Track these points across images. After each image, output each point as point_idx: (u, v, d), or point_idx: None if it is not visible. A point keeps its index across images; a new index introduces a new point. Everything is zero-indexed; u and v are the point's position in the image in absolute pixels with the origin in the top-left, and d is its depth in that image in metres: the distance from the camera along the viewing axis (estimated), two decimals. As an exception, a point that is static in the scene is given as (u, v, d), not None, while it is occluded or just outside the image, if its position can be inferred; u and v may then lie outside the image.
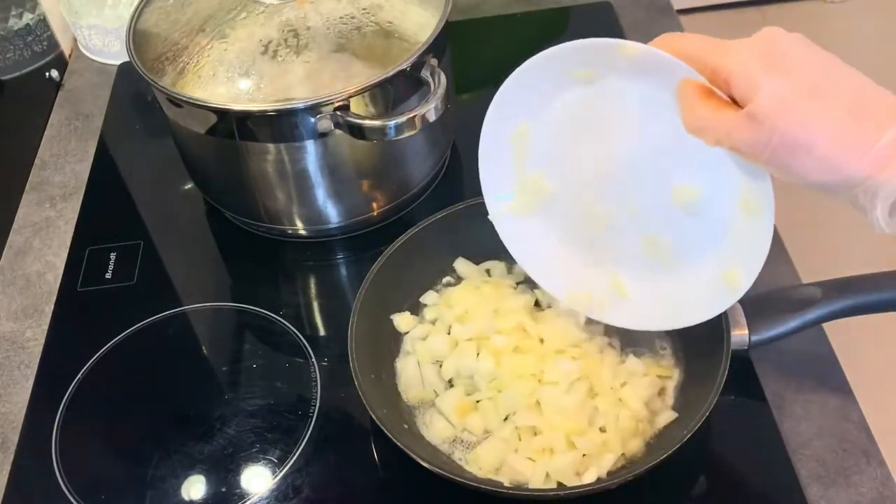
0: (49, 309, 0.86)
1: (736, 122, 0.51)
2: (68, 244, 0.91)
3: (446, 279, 0.80)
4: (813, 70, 0.50)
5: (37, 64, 1.09)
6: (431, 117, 0.73)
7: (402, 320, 0.76)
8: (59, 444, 0.73)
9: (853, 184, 0.49)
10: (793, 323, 0.68)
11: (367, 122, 0.73)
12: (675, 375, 0.70)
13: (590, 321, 0.72)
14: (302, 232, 0.87)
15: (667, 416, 0.67)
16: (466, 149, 0.95)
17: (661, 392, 0.69)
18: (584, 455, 0.65)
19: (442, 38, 0.78)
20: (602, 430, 0.67)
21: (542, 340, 0.72)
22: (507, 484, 0.65)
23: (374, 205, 0.86)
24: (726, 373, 0.63)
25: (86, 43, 1.15)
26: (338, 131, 0.74)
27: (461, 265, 0.79)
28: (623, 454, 0.65)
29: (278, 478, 0.69)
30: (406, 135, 0.73)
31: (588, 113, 0.63)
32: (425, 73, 0.76)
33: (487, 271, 0.79)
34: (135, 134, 1.05)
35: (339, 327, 0.73)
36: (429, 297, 0.78)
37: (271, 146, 0.77)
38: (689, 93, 0.53)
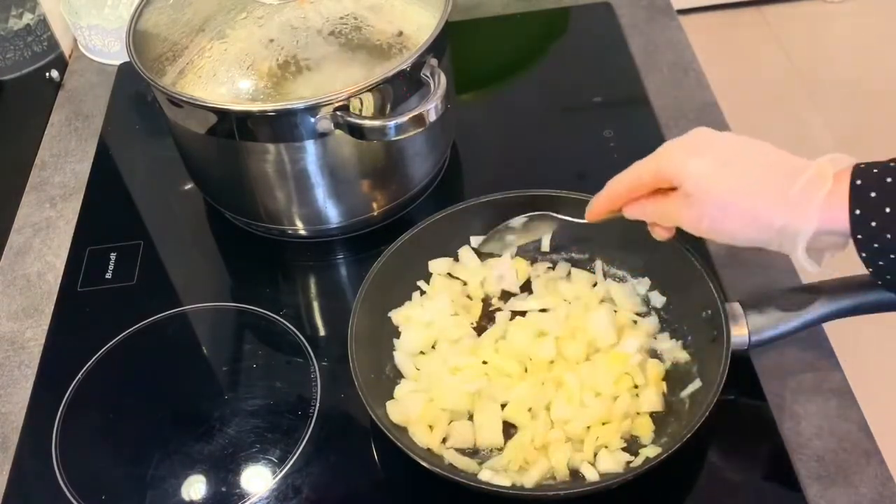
0: (49, 309, 0.86)
1: (675, 203, 0.61)
2: (68, 244, 0.91)
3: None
4: (726, 147, 0.60)
5: (37, 64, 1.09)
6: (431, 117, 0.73)
7: (399, 315, 0.76)
8: (59, 444, 0.73)
9: (776, 232, 0.57)
10: (793, 323, 0.68)
11: (367, 122, 0.73)
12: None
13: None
14: (302, 232, 0.87)
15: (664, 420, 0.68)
16: (466, 149, 0.96)
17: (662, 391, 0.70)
18: (584, 455, 0.66)
19: (442, 38, 0.78)
20: (604, 431, 0.67)
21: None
22: (507, 484, 0.64)
23: (374, 205, 0.86)
24: (726, 373, 0.63)
25: (86, 43, 1.15)
26: (338, 131, 0.74)
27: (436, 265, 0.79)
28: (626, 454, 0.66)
29: (278, 478, 0.69)
30: (406, 135, 0.73)
31: None
32: (425, 73, 0.76)
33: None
34: (135, 134, 1.05)
35: (339, 327, 0.73)
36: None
37: (271, 146, 0.77)
38: (636, 209, 0.66)
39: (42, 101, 1.09)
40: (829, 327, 0.72)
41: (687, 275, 0.71)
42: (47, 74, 1.11)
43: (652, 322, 0.74)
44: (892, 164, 0.54)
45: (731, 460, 0.67)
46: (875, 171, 0.54)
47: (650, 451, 0.65)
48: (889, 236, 0.54)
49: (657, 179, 0.62)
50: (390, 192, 0.86)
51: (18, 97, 1.05)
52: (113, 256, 0.89)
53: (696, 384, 0.68)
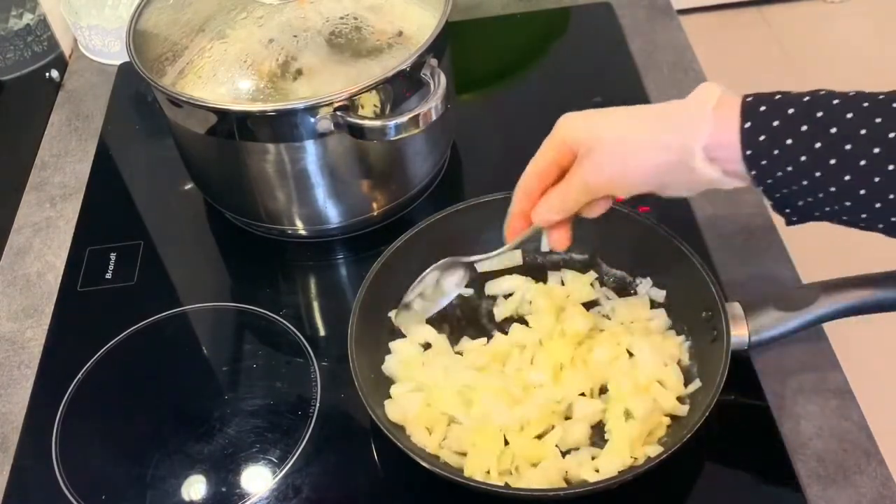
0: (49, 309, 0.86)
1: (577, 169, 0.62)
2: (68, 244, 0.91)
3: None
4: (617, 108, 0.62)
5: (37, 64, 1.09)
6: (431, 117, 0.73)
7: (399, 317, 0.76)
8: (59, 444, 0.73)
9: (677, 151, 0.57)
10: (793, 323, 0.68)
11: (367, 122, 0.73)
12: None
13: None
14: (302, 232, 0.87)
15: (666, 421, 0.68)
16: (466, 149, 0.96)
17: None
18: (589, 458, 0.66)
19: (442, 38, 0.78)
20: (608, 433, 0.67)
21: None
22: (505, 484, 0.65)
23: (374, 205, 0.86)
24: (726, 373, 0.63)
25: (86, 43, 1.15)
26: (338, 131, 0.74)
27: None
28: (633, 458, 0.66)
29: (278, 478, 0.69)
30: (406, 135, 0.73)
31: None
32: (425, 73, 0.76)
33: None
34: (135, 134, 1.05)
35: (339, 327, 0.73)
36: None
37: (271, 146, 0.77)
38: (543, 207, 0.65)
39: (42, 101, 1.09)
40: (829, 327, 0.72)
41: (687, 275, 0.71)
42: (47, 74, 1.11)
43: (665, 322, 0.74)
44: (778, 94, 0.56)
45: (731, 460, 0.67)
46: (764, 96, 0.56)
47: (650, 451, 0.65)
48: (777, 152, 0.54)
49: (561, 151, 0.63)
50: (390, 192, 0.86)
51: (18, 97, 1.05)
52: (113, 256, 0.89)
53: (696, 384, 0.68)
